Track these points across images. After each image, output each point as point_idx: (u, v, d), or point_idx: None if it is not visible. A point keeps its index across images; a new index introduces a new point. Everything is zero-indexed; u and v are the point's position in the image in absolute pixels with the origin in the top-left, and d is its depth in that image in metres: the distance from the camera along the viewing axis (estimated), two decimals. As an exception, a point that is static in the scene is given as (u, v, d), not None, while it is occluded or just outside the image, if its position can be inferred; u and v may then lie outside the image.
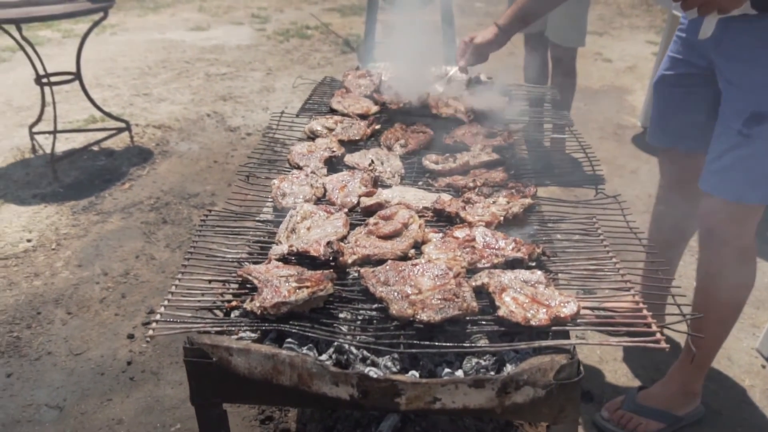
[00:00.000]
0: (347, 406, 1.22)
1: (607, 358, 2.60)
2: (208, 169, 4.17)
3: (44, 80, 3.94)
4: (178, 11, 8.80)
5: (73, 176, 4.03)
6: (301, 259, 1.46)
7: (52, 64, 4.92)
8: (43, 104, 4.11)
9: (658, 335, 1.23)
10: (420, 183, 1.92)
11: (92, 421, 2.26)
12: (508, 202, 1.62)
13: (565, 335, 1.28)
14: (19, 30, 3.61)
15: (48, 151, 3.98)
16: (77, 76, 4.09)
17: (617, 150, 4.61)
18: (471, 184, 1.75)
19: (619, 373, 2.52)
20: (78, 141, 4.48)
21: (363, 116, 2.25)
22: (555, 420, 1.22)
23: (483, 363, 1.26)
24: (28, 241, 3.33)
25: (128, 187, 3.92)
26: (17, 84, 5.54)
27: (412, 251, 1.46)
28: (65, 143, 4.46)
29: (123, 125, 4.41)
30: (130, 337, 2.64)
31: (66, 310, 2.82)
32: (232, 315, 1.37)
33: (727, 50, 1.76)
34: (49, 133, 4.03)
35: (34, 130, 4.26)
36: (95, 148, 4.37)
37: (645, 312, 1.30)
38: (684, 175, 2.17)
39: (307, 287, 1.29)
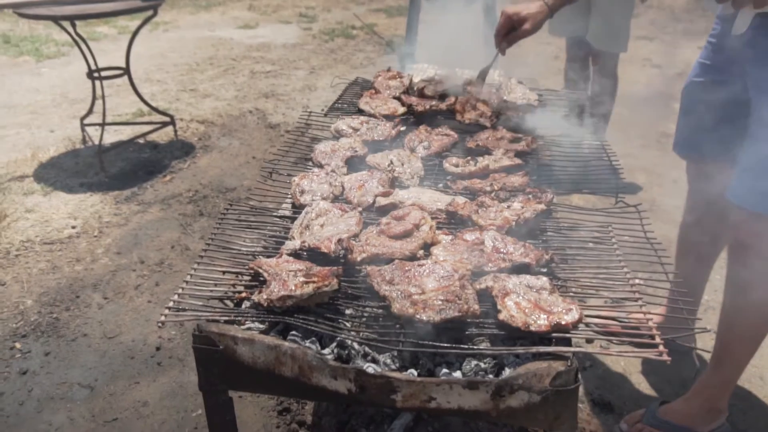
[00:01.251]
0: (346, 400, 1.25)
1: (631, 370, 2.55)
2: (246, 165, 4.27)
3: (95, 74, 4.12)
4: (229, 9, 9.02)
5: (119, 167, 4.20)
6: (314, 254, 1.50)
7: (107, 59, 5.14)
8: (94, 97, 4.29)
9: (661, 347, 1.21)
10: (440, 185, 1.93)
11: (120, 401, 2.36)
12: (523, 207, 1.62)
13: (567, 342, 1.28)
14: (74, 26, 3.79)
15: (97, 142, 4.16)
16: (126, 71, 4.26)
17: (659, 158, 4.50)
18: (488, 188, 1.76)
19: (642, 386, 2.47)
20: (125, 133, 4.66)
21: (389, 117, 2.28)
22: (551, 426, 1.22)
23: (482, 366, 1.27)
24: (73, 227, 3.49)
25: (169, 180, 4.06)
26: (73, 77, 5.79)
27: (421, 252, 1.48)
28: (114, 135, 4.65)
29: (168, 119, 4.56)
30: (161, 324, 2.73)
31: (103, 294, 2.95)
32: (243, 306, 1.42)
33: (759, 55, 1.71)
34: (98, 125, 4.21)
35: (85, 122, 4.46)
36: (141, 140, 4.54)
37: (650, 323, 1.28)
38: (712, 186, 2.12)
39: (314, 282, 1.33)
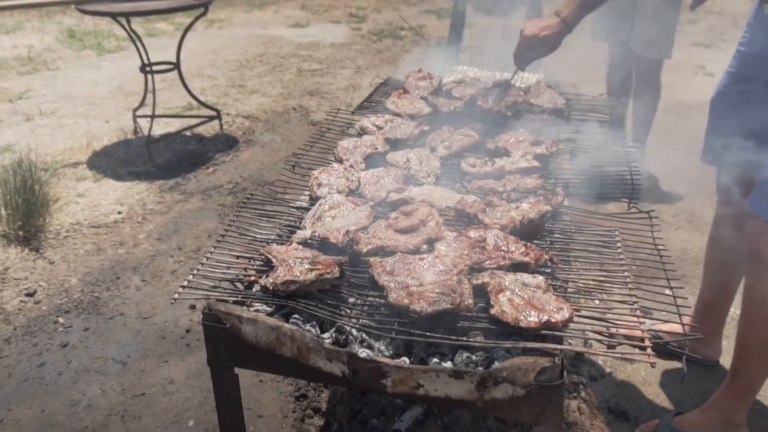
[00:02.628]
0: (340, 383, 1.32)
1: (651, 380, 2.52)
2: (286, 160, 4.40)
3: (147, 69, 4.33)
4: (282, 8, 9.25)
5: (165, 158, 4.40)
6: (324, 244, 1.57)
7: (163, 54, 5.37)
8: (146, 90, 4.51)
9: (649, 350, 1.22)
10: (458, 185, 1.98)
11: (149, 377, 2.50)
12: (530, 208, 1.64)
13: (559, 340, 1.30)
14: (128, 22, 3.99)
15: (147, 133, 4.37)
16: (176, 66, 4.45)
17: (703, 169, 4.37)
18: (500, 189, 1.79)
19: (661, 397, 2.44)
20: (174, 126, 4.87)
21: (414, 117, 2.33)
22: (536, 421, 1.25)
23: (474, 358, 1.31)
24: (119, 213, 3.68)
25: (212, 171, 4.23)
26: (130, 71, 6.07)
27: (425, 246, 1.53)
28: (163, 127, 4.86)
29: (214, 113, 4.74)
30: (192, 307, 2.87)
31: (141, 277, 3.11)
32: (254, 289, 1.50)
33: None
34: (149, 117, 4.42)
35: (137, 113, 4.69)
36: (188, 133, 4.74)
37: (642, 327, 1.29)
38: (740, 196, 2.08)
39: (317, 270, 1.40)
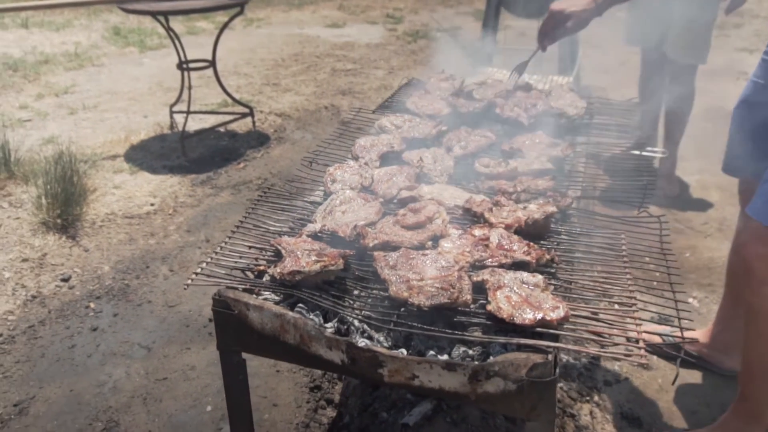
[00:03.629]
0: (339, 370, 1.37)
1: (667, 388, 2.49)
2: (315, 158, 4.48)
3: (184, 66, 4.47)
4: (320, 8, 9.37)
5: (198, 152, 4.53)
6: (333, 238, 1.62)
7: (202, 51, 5.52)
8: (182, 87, 4.65)
9: (643, 351, 1.23)
10: (471, 185, 2.00)
11: (171, 363, 2.60)
12: (537, 209, 1.66)
13: (555, 338, 1.32)
14: (167, 20, 4.13)
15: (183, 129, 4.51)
16: (212, 63, 4.58)
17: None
18: (510, 189, 1.81)
19: (677, 406, 2.41)
20: (208, 122, 5.01)
21: (433, 117, 2.36)
22: (529, 416, 1.27)
23: (470, 352, 1.34)
24: (152, 205, 3.82)
25: (242, 167, 4.33)
26: (170, 68, 6.23)
27: (430, 243, 1.57)
28: (198, 123, 5.00)
29: (247, 111, 4.86)
30: (216, 297, 2.96)
31: (169, 267, 3.22)
32: (264, 278, 1.56)
33: None
34: (184, 112, 4.56)
35: (174, 109, 4.84)
36: (221, 129, 4.87)
37: (637, 328, 1.30)
38: None
39: (323, 261, 1.45)
